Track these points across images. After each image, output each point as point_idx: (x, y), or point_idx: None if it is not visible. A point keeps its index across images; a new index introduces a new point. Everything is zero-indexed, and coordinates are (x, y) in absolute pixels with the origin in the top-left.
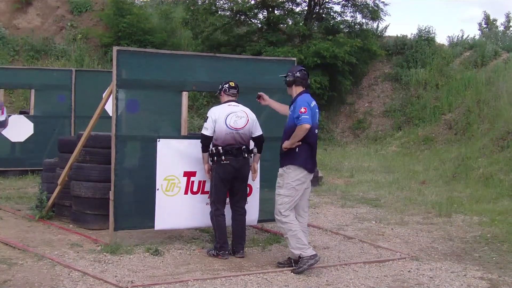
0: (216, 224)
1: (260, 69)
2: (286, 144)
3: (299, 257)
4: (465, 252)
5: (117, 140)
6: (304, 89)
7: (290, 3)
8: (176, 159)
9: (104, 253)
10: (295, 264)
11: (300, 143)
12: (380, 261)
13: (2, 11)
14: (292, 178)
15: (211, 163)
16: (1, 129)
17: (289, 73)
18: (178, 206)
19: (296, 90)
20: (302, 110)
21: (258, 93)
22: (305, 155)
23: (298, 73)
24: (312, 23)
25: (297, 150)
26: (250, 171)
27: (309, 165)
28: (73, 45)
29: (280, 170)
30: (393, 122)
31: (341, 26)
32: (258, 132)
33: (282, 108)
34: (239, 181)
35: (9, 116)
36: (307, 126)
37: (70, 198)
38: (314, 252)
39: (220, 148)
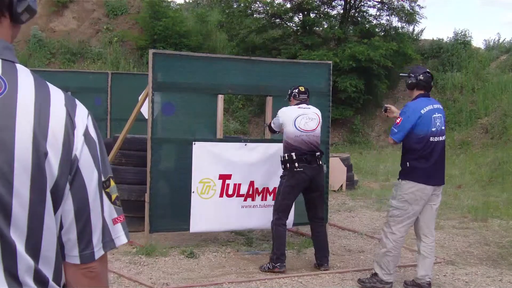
0: (275, 233)
1: (296, 72)
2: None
3: (375, 273)
4: (501, 257)
5: (152, 143)
6: (423, 92)
7: (325, 7)
8: (211, 162)
9: (139, 255)
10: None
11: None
12: (415, 265)
13: (39, 14)
14: (404, 190)
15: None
16: None
17: (411, 74)
18: (213, 209)
19: (414, 94)
20: (397, 120)
21: (385, 105)
22: (418, 168)
23: (421, 75)
24: (347, 26)
25: (408, 165)
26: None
27: (423, 178)
28: (109, 48)
29: (396, 181)
30: None
31: (377, 30)
32: None
33: None
34: (313, 191)
35: None
36: (390, 141)
37: None
38: (391, 281)
39: (293, 154)
